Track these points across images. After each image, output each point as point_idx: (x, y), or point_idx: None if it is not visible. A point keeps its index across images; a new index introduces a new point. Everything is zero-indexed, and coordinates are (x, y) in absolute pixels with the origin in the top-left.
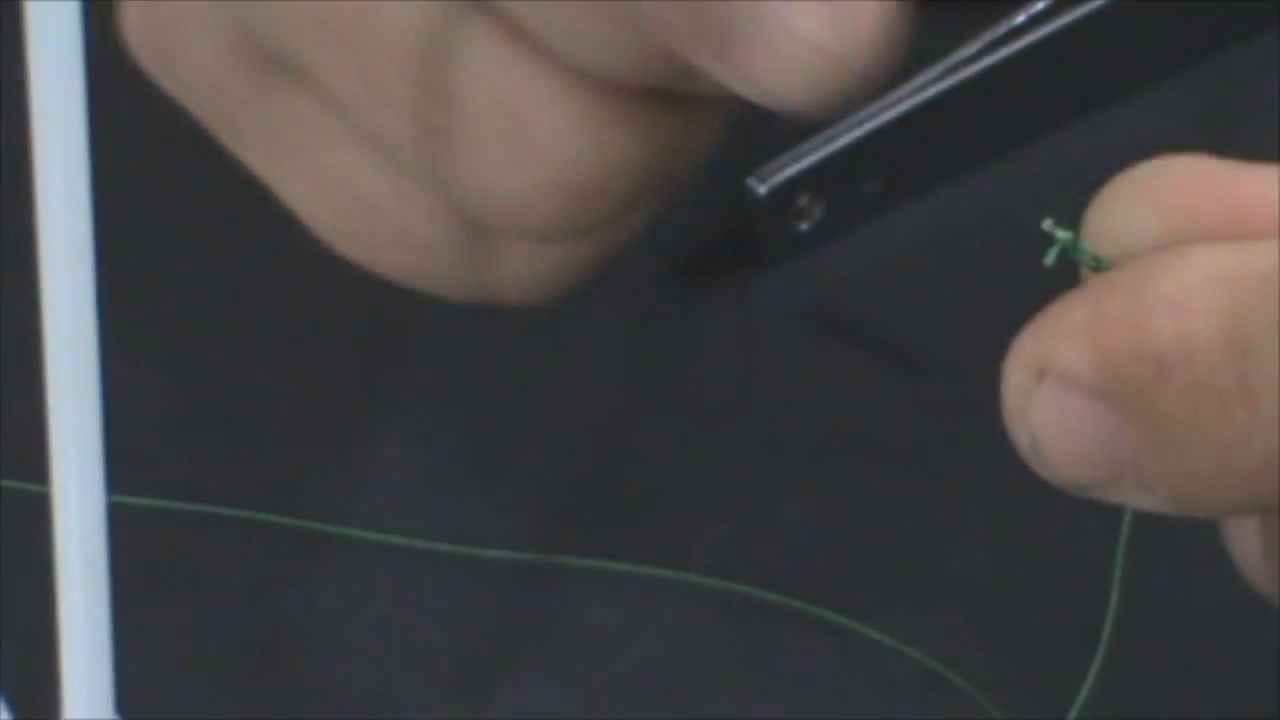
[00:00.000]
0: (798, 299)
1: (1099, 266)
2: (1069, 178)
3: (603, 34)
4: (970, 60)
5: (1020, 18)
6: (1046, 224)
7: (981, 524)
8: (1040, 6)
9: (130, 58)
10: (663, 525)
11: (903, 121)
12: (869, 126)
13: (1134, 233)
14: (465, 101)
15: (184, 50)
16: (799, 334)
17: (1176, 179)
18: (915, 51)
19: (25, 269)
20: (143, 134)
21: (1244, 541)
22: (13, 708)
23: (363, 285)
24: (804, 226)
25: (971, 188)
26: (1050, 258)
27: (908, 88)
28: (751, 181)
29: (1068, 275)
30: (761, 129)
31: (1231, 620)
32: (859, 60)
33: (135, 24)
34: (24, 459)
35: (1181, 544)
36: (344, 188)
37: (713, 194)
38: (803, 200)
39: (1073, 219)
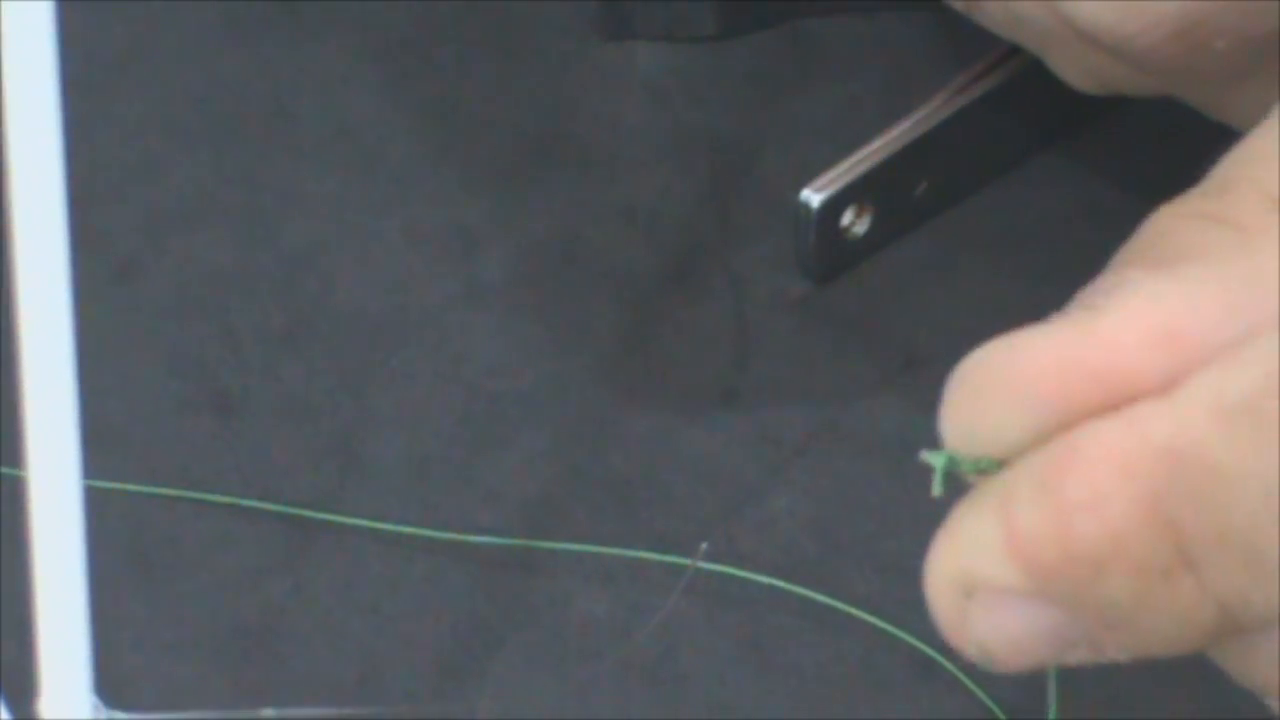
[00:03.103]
0: (790, 290)
1: (986, 469)
2: (1059, 176)
3: None
4: (1001, 65)
5: None
6: (922, 455)
7: None
8: None
9: (123, 52)
10: (653, 514)
11: (948, 126)
12: (916, 134)
13: (1009, 429)
14: None
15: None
16: (791, 325)
17: (1034, 364)
18: (950, 56)
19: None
20: (136, 125)
21: None
22: (11, 701)
23: (354, 275)
24: (855, 237)
25: None
26: (937, 487)
27: (948, 91)
28: (805, 195)
29: (1062, 273)
30: (789, 141)
31: None
32: None
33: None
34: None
35: None
36: None
37: (730, 199)
38: (852, 211)
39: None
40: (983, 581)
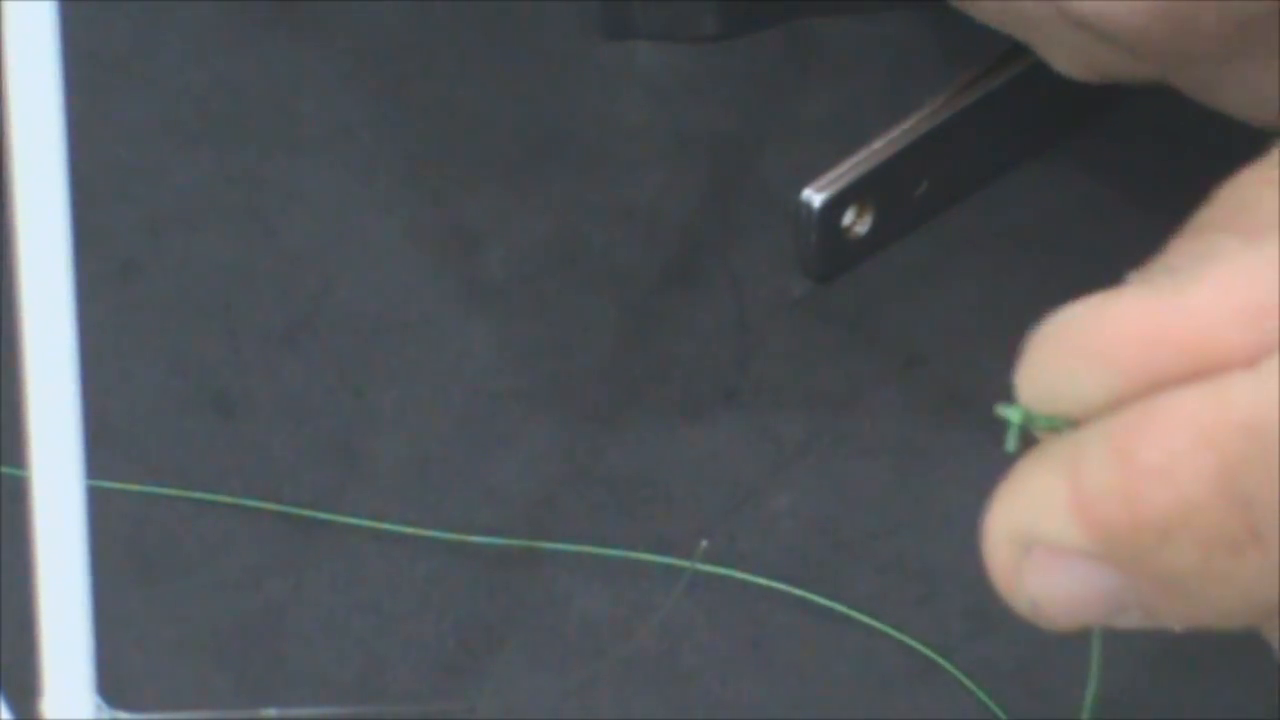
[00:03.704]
0: (791, 290)
1: (1059, 428)
2: (1059, 176)
3: None
4: (1001, 66)
5: None
6: (998, 408)
7: (972, 513)
8: None
9: (123, 52)
10: (654, 513)
11: (948, 126)
12: (917, 134)
13: (1087, 392)
14: None
15: None
16: (792, 324)
17: (1119, 330)
18: (950, 56)
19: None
20: (139, 125)
21: None
22: (13, 701)
23: (355, 275)
24: (856, 237)
25: None
26: (1011, 442)
27: (948, 91)
28: (806, 195)
29: (1062, 273)
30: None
31: None
32: None
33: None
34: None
35: None
36: None
37: (730, 198)
38: (853, 211)
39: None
40: (1043, 539)
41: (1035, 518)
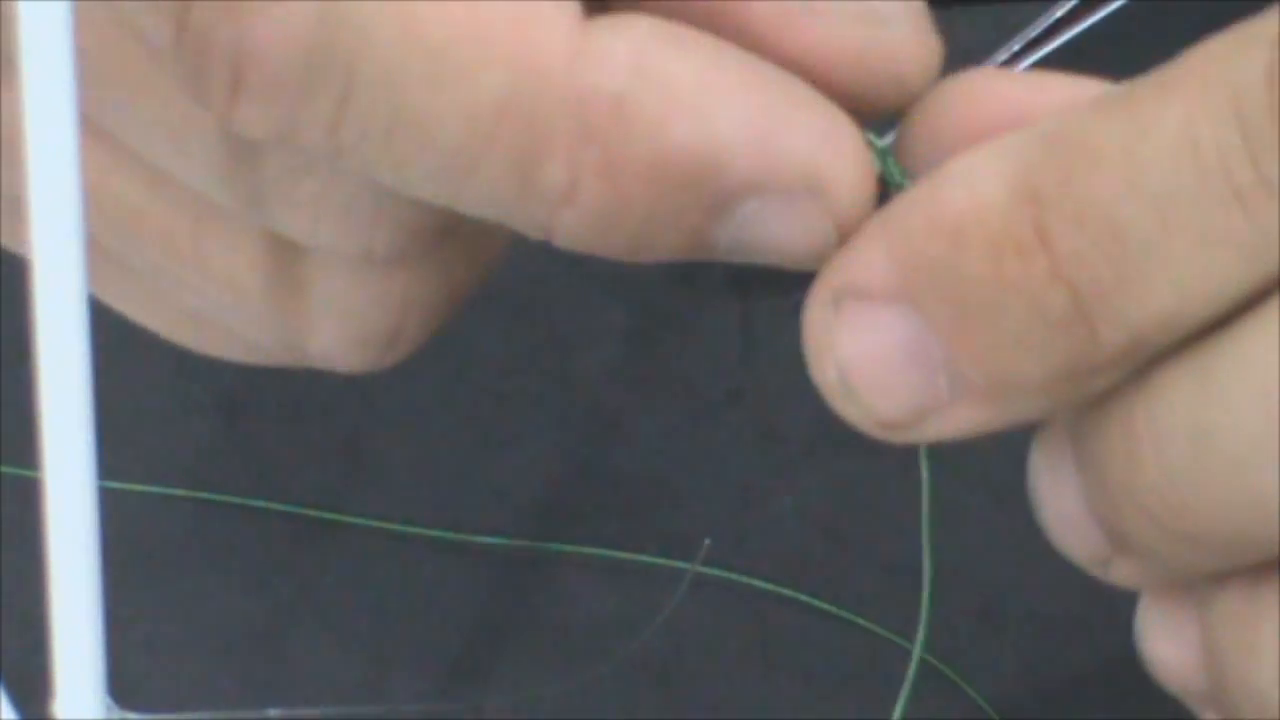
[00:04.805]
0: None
1: (899, 180)
2: None
3: (360, 235)
4: (1001, 67)
5: (1035, 30)
6: (871, 137)
7: (975, 516)
8: (1059, 13)
9: None
10: (659, 515)
11: None
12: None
13: (938, 150)
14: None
15: None
16: (795, 325)
17: (975, 96)
18: (950, 57)
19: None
20: None
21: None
22: (15, 699)
23: None
24: None
25: None
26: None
27: None
28: None
29: None
30: None
31: None
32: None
33: None
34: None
35: None
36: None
37: None
38: None
39: None
40: (850, 277)
41: (845, 259)
